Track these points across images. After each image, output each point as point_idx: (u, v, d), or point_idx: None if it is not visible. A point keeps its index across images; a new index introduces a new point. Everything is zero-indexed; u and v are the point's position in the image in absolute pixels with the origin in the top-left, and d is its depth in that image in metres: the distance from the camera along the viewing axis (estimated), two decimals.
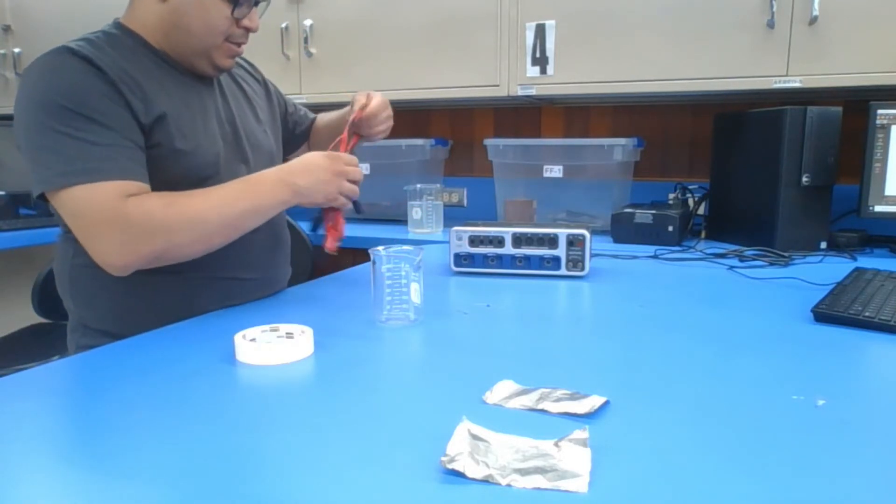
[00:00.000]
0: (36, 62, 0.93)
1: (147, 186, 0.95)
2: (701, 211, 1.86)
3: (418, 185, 1.98)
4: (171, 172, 0.99)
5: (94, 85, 0.92)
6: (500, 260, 1.28)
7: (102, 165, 0.90)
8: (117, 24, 1.04)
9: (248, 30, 1.06)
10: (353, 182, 1.06)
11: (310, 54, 2.10)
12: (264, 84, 1.30)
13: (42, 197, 0.93)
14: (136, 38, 1.03)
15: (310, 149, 1.45)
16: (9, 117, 2.54)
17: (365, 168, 2.18)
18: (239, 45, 1.07)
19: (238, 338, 0.80)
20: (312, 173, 1.02)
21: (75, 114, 0.90)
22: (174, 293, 1.03)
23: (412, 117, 2.38)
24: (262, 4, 1.08)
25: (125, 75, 0.96)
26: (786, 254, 1.47)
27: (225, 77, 1.16)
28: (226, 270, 1.07)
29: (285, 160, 1.11)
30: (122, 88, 0.94)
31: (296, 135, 1.41)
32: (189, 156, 1.01)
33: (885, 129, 1.50)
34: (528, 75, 1.85)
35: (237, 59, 1.19)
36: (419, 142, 2.14)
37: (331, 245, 1.10)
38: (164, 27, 1.02)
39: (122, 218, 0.90)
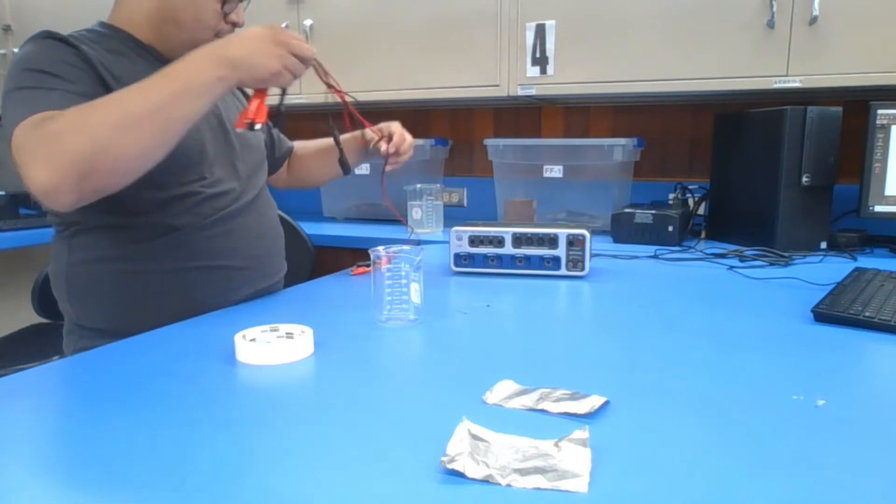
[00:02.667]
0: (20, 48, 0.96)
1: None
2: (701, 211, 1.86)
3: (418, 185, 1.98)
4: None
5: (71, 60, 0.93)
6: (500, 260, 1.28)
7: (48, 104, 0.87)
8: (102, 24, 1.05)
9: (234, 25, 1.06)
10: (300, 58, 0.94)
11: None
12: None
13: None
14: (123, 35, 1.03)
15: (291, 180, 1.46)
16: None
17: (365, 168, 2.18)
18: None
19: (238, 338, 0.80)
20: (249, 42, 0.90)
21: (43, 72, 0.91)
22: (169, 287, 1.03)
23: (412, 117, 2.38)
24: (244, 2, 1.09)
25: (107, 62, 0.97)
26: (786, 254, 1.47)
27: None
28: (216, 259, 1.07)
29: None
30: (101, 70, 0.95)
31: (274, 157, 1.38)
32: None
33: (885, 129, 1.50)
34: (528, 75, 1.85)
35: None
36: (419, 142, 2.13)
37: (239, 122, 0.96)
38: (154, 22, 1.03)
39: (40, 132, 0.83)
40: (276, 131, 1.39)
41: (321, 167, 1.43)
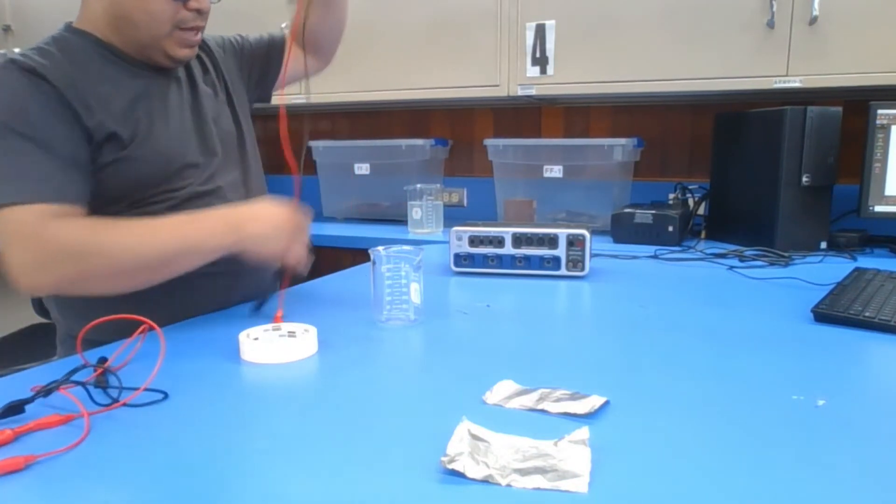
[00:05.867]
0: None
1: (80, 209, 0.90)
2: (701, 211, 1.86)
3: (418, 185, 1.98)
4: (137, 172, 0.96)
5: (36, 100, 0.88)
6: (500, 260, 1.28)
7: (36, 186, 0.85)
8: (68, 27, 1.00)
9: (198, 12, 0.98)
10: (298, 250, 0.95)
11: None
12: (209, 51, 1.19)
13: None
14: (88, 38, 0.98)
15: (318, 60, 1.32)
16: None
17: (365, 168, 2.19)
18: (194, 30, 1.00)
19: (242, 336, 0.80)
20: (269, 224, 0.92)
21: (13, 131, 0.86)
22: (163, 299, 0.99)
23: (412, 117, 2.38)
24: None
25: (75, 83, 0.91)
26: (786, 254, 1.47)
27: (183, 67, 1.10)
28: (212, 265, 1.03)
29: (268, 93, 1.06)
30: (70, 98, 0.90)
31: (272, 58, 1.28)
32: (153, 154, 0.96)
33: (885, 129, 1.50)
34: (528, 75, 1.85)
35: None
36: (419, 142, 2.14)
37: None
38: (111, 22, 0.97)
39: (35, 238, 0.84)
40: (252, 36, 1.28)
41: (322, 21, 1.27)
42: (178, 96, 1.06)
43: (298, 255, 0.96)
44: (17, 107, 0.87)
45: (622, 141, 1.82)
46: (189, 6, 0.97)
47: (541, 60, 1.83)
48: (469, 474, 0.50)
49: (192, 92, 1.09)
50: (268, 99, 1.32)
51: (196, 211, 0.95)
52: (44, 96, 0.88)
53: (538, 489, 0.49)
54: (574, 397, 0.65)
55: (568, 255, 1.25)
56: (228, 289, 1.08)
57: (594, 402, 0.63)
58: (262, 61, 1.27)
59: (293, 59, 1.24)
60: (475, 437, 0.55)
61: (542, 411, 0.63)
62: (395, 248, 0.93)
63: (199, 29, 1.01)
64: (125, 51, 1.00)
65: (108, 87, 0.95)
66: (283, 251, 0.94)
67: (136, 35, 0.97)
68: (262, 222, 0.92)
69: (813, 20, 1.53)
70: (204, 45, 1.19)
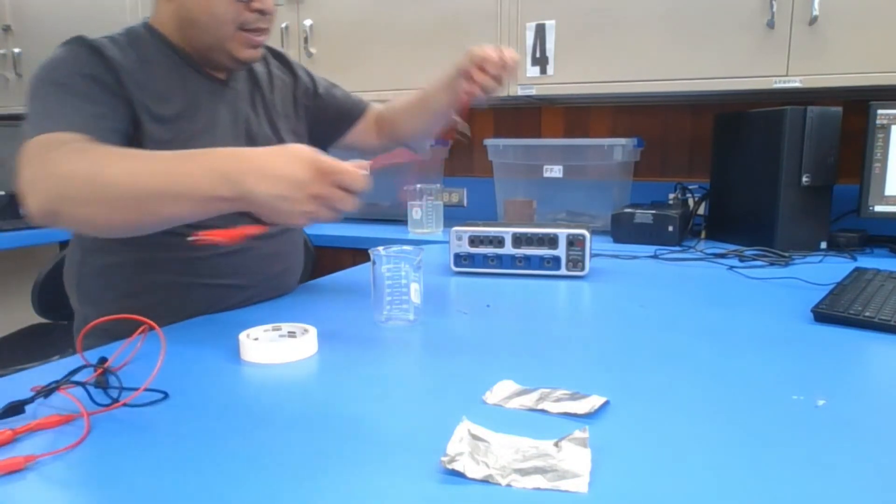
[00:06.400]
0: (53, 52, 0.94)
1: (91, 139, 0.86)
2: (701, 211, 1.86)
3: (418, 185, 1.98)
4: None
5: (92, 70, 0.91)
6: (500, 260, 1.28)
7: (59, 122, 0.85)
8: (144, 24, 1.03)
9: (261, 13, 0.99)
10: (333, 208, 0.74)
11: (310, 54, 2.10)
12: (293, 74, 1.22)
13: None
14: (159, 38, 1.01)
15: (384, 142, 1.31)
16: (9, 117, 2.55)
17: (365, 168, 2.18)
18: (258, 32, 1.00)
19: (242, 337, 0.80)
20: (278, 181, 0.71)
21: (53, 84, 0.89)
22: (178, 300, 1.02)
23: None
24: None
25: (134, 73, 0.94)
26: (786, 254, 1.47)
27: (247, 79, 1.12)
28: (226, 277, 1.05)
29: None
30: (125, 82, 0.93)
31: (338, 120, 1.29)
32: None
33: (885, 129, 1.50)
34: (528, 75, 1.85)
35: (266, 53, 1.16)
36: None
37: (200, 237, 0.74)
38: (178, 25, 1.00)
39: (38, 158, 0.81)
40: (327, 89, 1.28)
41: (413, 125, 1.28)
42: (229, 111, 1.06)
43: (327, 214, 0.74)
44: (71, 72, 0.90)
45: (622, 141, 1.82)
46: (252, 7, 0.98)
47: (541, 60, 1.83)
48: (469, 474, 0.50)
49: (246, 107, 1.10)
50: (323, 149, 1.32)
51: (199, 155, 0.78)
52: (100, 69, 0.91)
53: (538, 489, 0.49)
54: (574, 397, 0.65)
55: (568, 255, 1.25)
56: (233, 299, 1.07)
57: (594, 402, 0.63)
58: (334, 117, 1.28)
59: (376, 143, 1.31)
60: (475, 437, 0.55)
61: (542, 411, 0.63)
62: (395, 248, 0.93)
63: (263, 31, 1.02)
64: (191, 53, 1.02)
65: (162, 87, 0.97)
66: (301, 220, 0.74)
67: (201, 37, 0.99)
68: (270, 178, 0.71)
69: (813, 20, 1.53)
70: (287, 65, 1.22)
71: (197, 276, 1.02)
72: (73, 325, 1.12)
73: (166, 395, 0.67)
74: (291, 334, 0.84)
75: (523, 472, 0.50)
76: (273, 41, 2.10)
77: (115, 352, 0.80)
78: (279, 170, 0.71)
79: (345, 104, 1.30)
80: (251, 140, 1.09)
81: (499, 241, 1.27)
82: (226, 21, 0.97)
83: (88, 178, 0.77)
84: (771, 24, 1.57)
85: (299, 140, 1.20)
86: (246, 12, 0.97)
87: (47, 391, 0.65)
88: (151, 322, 0.75)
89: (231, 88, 1.08)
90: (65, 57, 0.92)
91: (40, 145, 0.83)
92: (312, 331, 0.83)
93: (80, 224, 0.82)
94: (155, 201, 0.75)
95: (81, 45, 0.93)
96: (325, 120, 1.27)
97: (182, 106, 0.99)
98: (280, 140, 1.15)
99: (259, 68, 1.16)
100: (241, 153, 0.74)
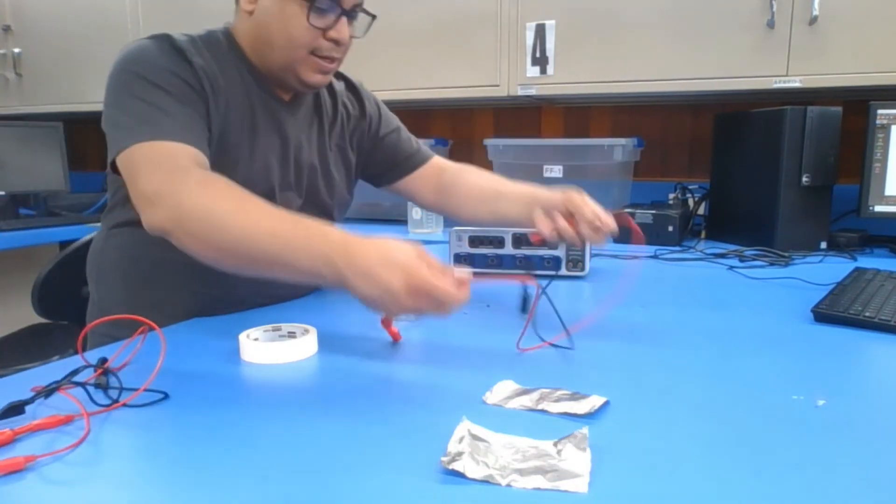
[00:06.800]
0: (134, 42, 0.94)
1: (206, 158, 0.90)
2: (701, 211, 1.86)
3: None
4: None
5: (176, 68, 0.92)
6: (500, 260, 1.28)
7: (170, 129, 0.88)
8: (225, 30, 1.03)
9: (336, 42, 0.99)
10: (441, 307, 0.72)
11: None
12: (361, 109, 1.21)
13: (115, 170, 0.90)
14: (235, 48, 1.01)
15: (439, 204, 1.27)
16: (9, 117, 2.55)
17: None
18: (329, 60, 1.00)
19: (242, 337, 0.80)
20: (374, 287, 0.71)
21: (151, 84, 0.90)
22: (187, 305, 1.01)
23: (412, 117, 2.38)
24: (360, 17, 1.02)
25: (209, 77, 0.95)
26: (786, 254, 1.47)
27: (311, 108, 1.11)
28: (235, 291, 1.02)
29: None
30: (205, 84, 0.94)
31: (392, 166, 1.26)
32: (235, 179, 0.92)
33: (885, 129, 1.50)
34: (528, 75, 1.85)
35: (338, 84, 1.17)
36: (420, 141, 2.13)
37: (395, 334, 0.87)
38: (254, 40, 1.00)
39: (158, 174, 0.84)
40: (396, 133, 1.26)
41: (471, 212, 1.23)
42: (283, 135, 1.05)
43: (424, 313, 0.75)
44: (158, 67, 0.91)
45: (622, 141, 1.82)
46: (328, 35, 0.98)
47: (541, 60, 1.83)
48: (469, 474, 0.50)
49: (301, 136, 1.08)
50: (377, 185, 1.31)
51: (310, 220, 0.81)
52: (183, 68, 0.93)
53: (538, 489, 0.49)
54: (574, 397, 0.65)
55: (568, 256, 1.25)
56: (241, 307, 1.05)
57: (594, 402, 0.63)
58: (389, 162, 1.26)
59: (431, 200, 1.28)
60: (475, 437, 0.55)
61: (542, 411, 0.63)
62: None
63: (335, 59, 1.02)
64: (261, 70, 1.02)
65: (226, 97, 0.97)
66: (399, 313, 0.76)
67: (274, 56, 0.99)
68: (369, 283, 0.72)
69: (813, 20, 1.53)
70: (359, 99, 1.21)
71: (211, 286, 1.00)
72: (73, 326, 1.12)
73: (166, 396, 0.67)
74: (291, 334, 0.84)
75: (523, 473, 0.50)
76: None
77: (115, 352, 0.80)
78: (377, 276, 0.71)
79: (402, 152, 1.27)
80: (298, 167, 1.07)
81: (499, 242, 1.27)
82: (299, 45, 0.97)
83: (212, 223, 0.80)
84: (771, 24, 1.57)
85: (348, 173, 1.18)
86: (321, 39, 0.98)
87: (47, 391, 0.65)
88: (151, 322, 0.75)
89: (292, 114, 1.07)
90: (154, 52, 0.92)
91: (155, 157, 0.85)
92: (312, 331, 0.83)
93: (189, 251, 0.84)
94: (267, 263, 0.79)
95: (170, 44, 0.94)
96: (379, 162, 1.25)
97: (236, 121, 0.98)
98: (326, 171, 1.12)
99: (326, 98, 1.15)
100: (351, 246, 0.75)
